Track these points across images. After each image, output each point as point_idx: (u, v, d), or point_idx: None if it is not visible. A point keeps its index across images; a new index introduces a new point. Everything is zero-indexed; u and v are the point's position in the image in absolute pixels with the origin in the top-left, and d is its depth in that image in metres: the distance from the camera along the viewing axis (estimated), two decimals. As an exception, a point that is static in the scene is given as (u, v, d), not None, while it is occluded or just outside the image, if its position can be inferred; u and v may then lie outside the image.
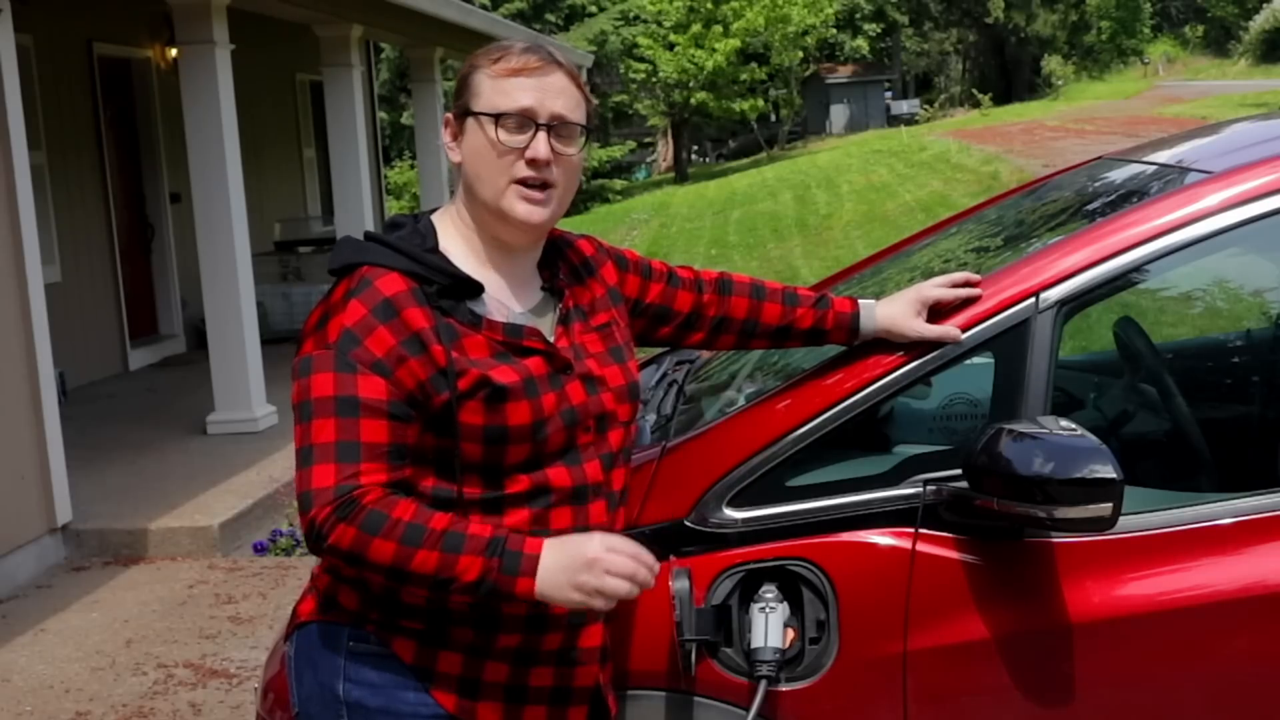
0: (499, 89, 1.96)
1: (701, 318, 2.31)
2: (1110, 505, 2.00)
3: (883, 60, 51.59)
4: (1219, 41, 51.55)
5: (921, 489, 2.19)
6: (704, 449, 2.31)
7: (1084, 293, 2.25)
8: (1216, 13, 52.15)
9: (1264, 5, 45.29)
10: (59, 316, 7.00)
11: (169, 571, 5.96)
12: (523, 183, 1.96)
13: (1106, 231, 2.28)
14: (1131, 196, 2.68)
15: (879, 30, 50.12)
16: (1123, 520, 2.04)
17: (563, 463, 1.97)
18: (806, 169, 28.10)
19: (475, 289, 1.96)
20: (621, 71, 36.65)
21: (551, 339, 2.00)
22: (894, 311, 2.28)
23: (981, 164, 21.15)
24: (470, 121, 1.98)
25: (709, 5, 35.04)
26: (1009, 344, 2.23)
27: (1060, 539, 2.15)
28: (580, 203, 29.77)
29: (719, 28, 34.82)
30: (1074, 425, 2.07)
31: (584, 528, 1.98)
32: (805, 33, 36.76)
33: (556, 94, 1.97)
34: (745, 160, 39.86)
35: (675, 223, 22.83)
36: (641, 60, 35.95)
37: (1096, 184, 3.06)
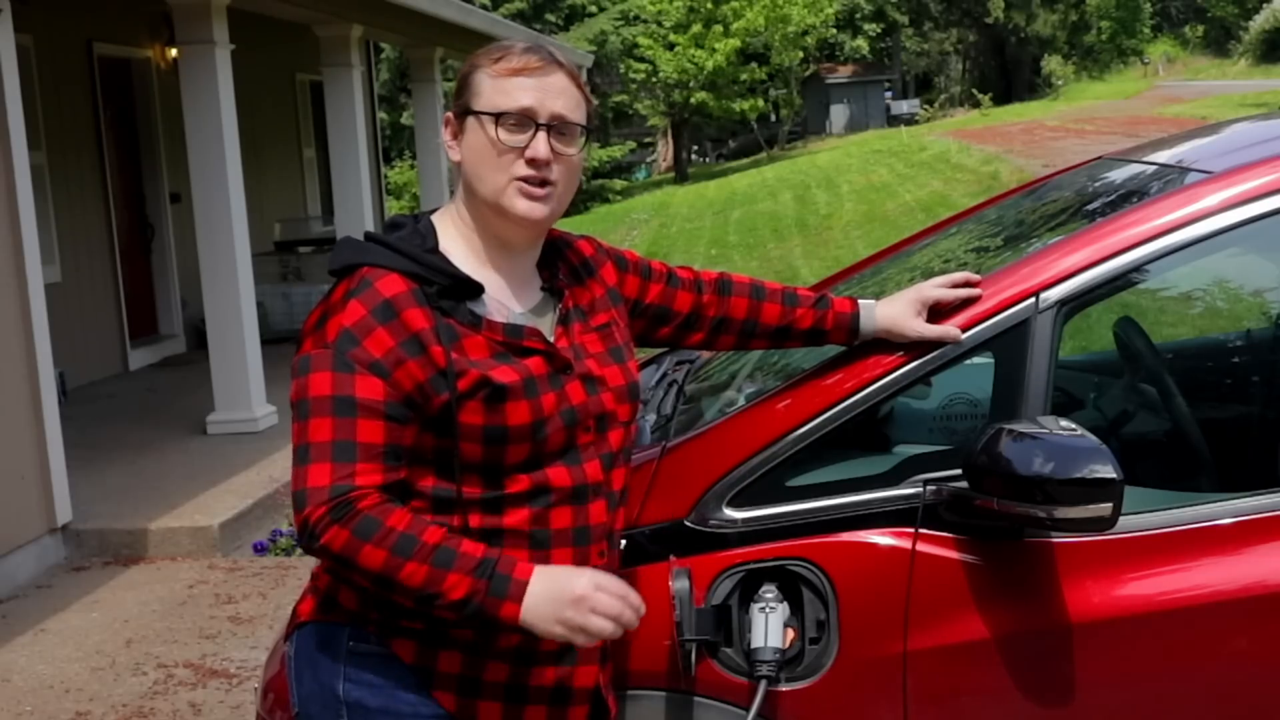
0: (500, 88, 1.96)
1: (701, 318, 2.31)
2: (1110, 505, 2.00)
3: (883, 60, 51.59)
4: (1219, 41, 51.54)
5: (921, 489, 2.19)
6: (704, 449, 2.31)
7: (1084, 293, 2.25)
8: (1216, 13, 52.13)
9: (1264, 5, 45.28)
10: (59, 316, 7.00)
11: (169, 571, 5.96)
12: (523, 180, 1.96)
13: (1106, 231, 2.28)
14: (1131, 196, 2.68)
15: (879, 30, 50.13)
16: (1123, 520, 2.05)
17: (563, 462, 1.97)
18: (806, 169, 28.09)
19: (475, 289, 1.96)
20: (621, 71, 36.64)
21: (551, 339, 2.00)
22: (894, 311, 2.28)
23: (981, 164, 21.15)
24: (471, 120, 1.99)
25: (709, 5, 35.04)
26: (1009, 344, 2.23)
27: (1060, 539, 2.15)
28: (580, 203, 29.77)
29: (719, 28, 34.82)
30: (1074, 425, 2.07)
31: (584, 527, 1.98)
32: (805, 33, 36.77)
33: (557, 94, 1.97)
34: (745, 160, 39.86)
35: (675, 223, 22.82)
36: (641, 60, 35.95)
37: (1096, 184, 3.06)
